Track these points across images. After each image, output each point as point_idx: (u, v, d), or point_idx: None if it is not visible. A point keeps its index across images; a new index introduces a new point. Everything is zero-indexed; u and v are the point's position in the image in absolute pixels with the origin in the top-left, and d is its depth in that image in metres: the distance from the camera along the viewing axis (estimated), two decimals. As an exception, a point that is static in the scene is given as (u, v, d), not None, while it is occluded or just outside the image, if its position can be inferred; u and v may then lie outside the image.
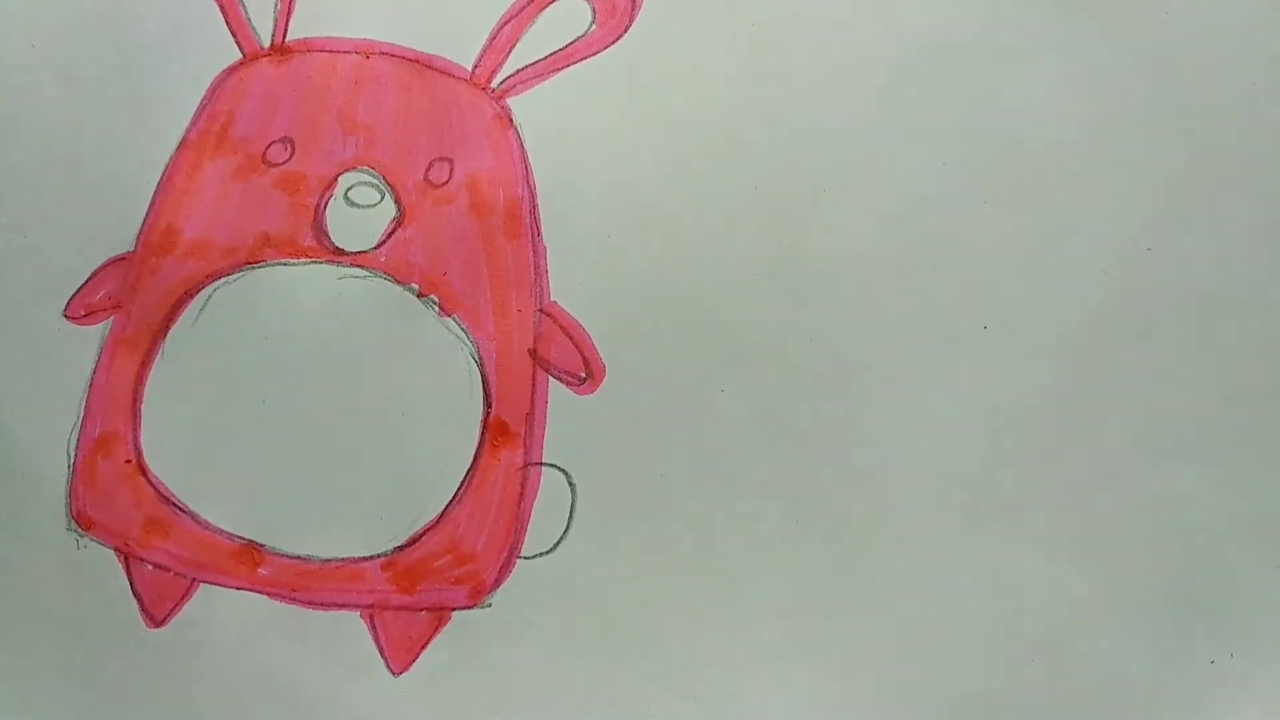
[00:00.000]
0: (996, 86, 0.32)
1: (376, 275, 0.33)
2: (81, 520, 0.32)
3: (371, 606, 0.31)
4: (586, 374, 0.32)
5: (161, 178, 0.33)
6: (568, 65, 0.34)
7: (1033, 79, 0.32)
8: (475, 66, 0.34)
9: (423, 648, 0.31)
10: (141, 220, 0.33)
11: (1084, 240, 0.32)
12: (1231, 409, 0.31)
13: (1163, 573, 0.30)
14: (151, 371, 0.33)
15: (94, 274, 0.33)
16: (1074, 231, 0.32)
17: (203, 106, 0.34)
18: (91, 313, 0.33)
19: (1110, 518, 0.31)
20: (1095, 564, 0.30)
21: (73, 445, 0.32)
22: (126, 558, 0.32)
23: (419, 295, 0.32)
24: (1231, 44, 0.32)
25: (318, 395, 0.32)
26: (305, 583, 0.31)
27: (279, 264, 0.33)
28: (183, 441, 0.32)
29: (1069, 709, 0.31)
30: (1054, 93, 0.32)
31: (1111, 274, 0.31)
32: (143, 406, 0.32)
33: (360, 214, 0.33)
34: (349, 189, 0.33)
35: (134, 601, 0.32)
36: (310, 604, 0.31)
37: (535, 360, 0.32)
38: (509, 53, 0.34)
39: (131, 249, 0.33)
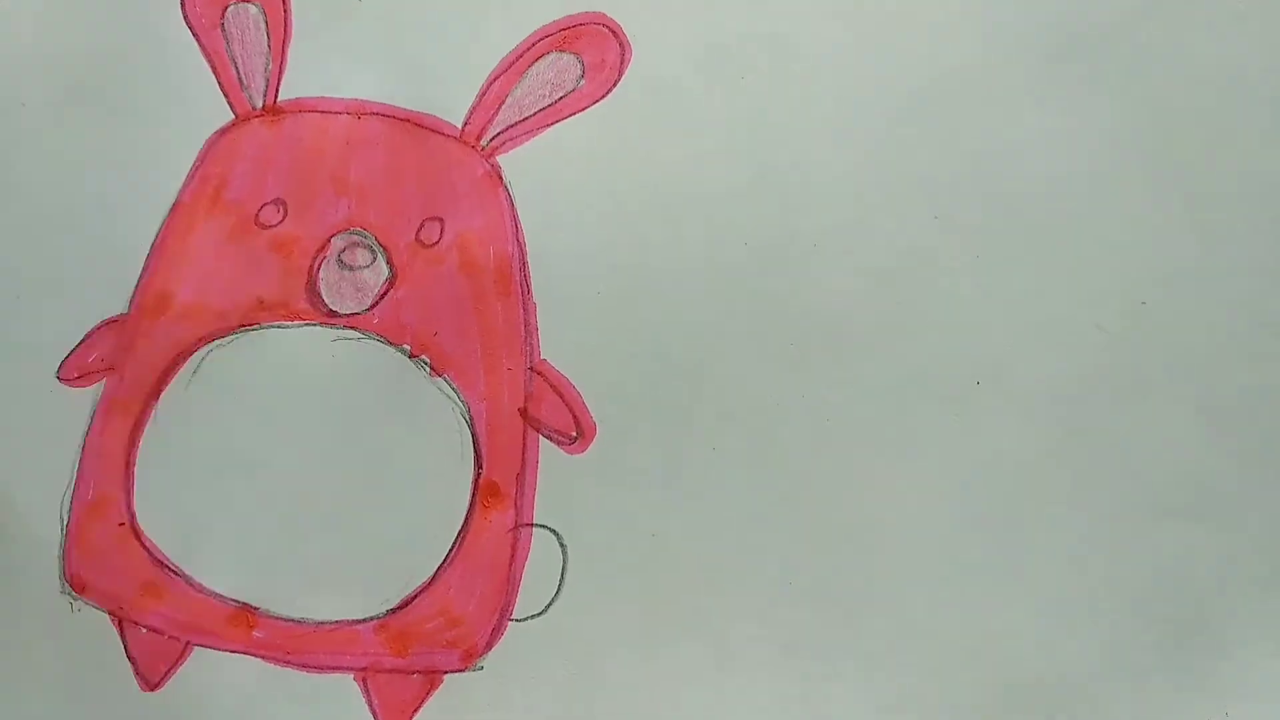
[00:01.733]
0: (987, 140, 0.32)
1: (370, 337, 0.33)
2: (75, 583, 0.32)
3: (365, 669, 0.31)
4: (577, 433, 0.32)
5: (155, 240, 0.34)
6: (557, 121, 0.34)
7: (1024, 132, 0.32)
8: (465, 124, 0.34)
9: (415, 710, 0.31)
10: (135, 283, 0.33)
11: (1078, 295, 0.31)
12: (1227, 467, 0.30)
13: (1157, 631, 0.30)
14: (144, 434, 0.33)
15: (87, 336, 0.33)
16: (1067, 286, 0.31)
17: (195, 168, 0.34)
18: (84, 374, 0.33)
19: (1104, 576, 0.30)
20: (1088, 623, 0.30)
21: (66, 508, 0.33)
22: (120, 621, 0.32)
23: (410, 356, 0.33)
24: (1225, 94, 0.32)
25: (310, 458, 0.32)
26: (299, 645, 0.31)
27: (273, 326, 0.33)
28: (176, 504, 0.32)
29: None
30: (1045, 146, 0.32)
31: (1106, 329, 0.31)
32: (135, 469, 0.33)
33: (353, 276, 0.33)
34: (342, 251, 0.33)
35: (128, 664, 0.32)
36: (304, 666, 0.31)
37: (526, 420, 0.32)
38: (498, 109, 0.34)
39: (125, 311, 0.33)
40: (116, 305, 0.33)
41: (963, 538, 0.31)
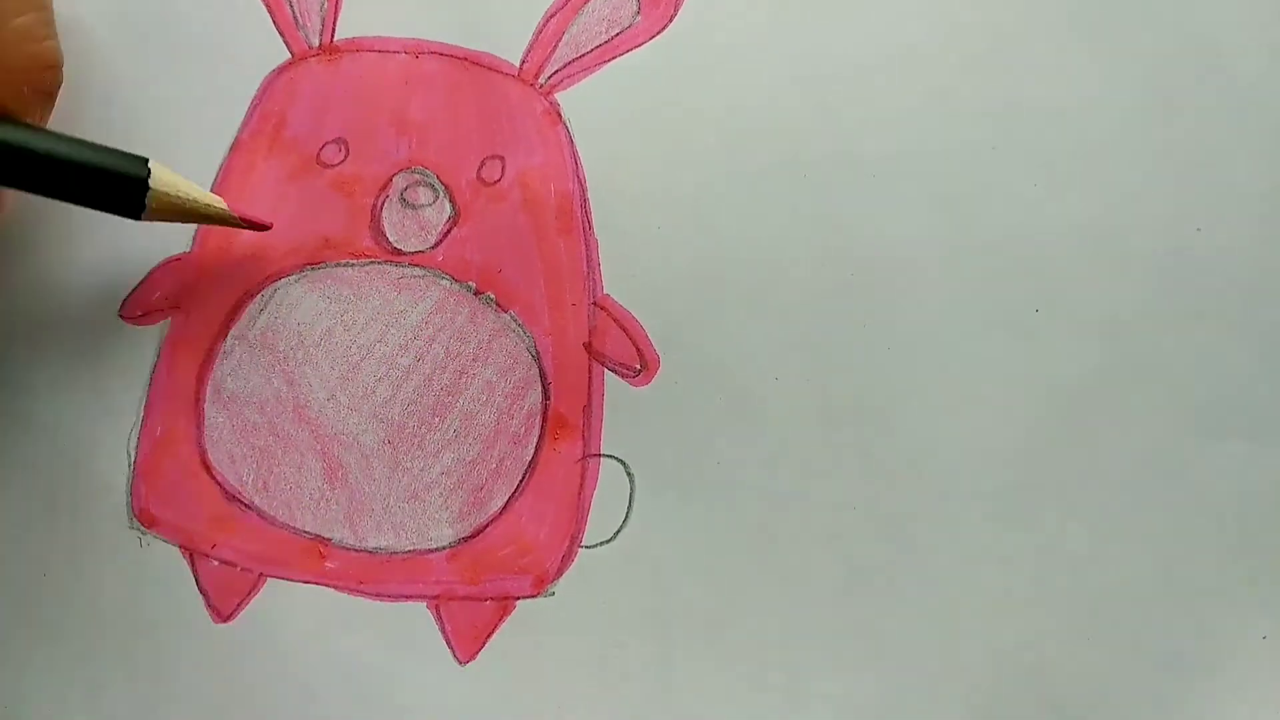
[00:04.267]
0: (1045, 71, 0.33)
1: (435, 274, 0.33)
2: (144, 518, 0.33)
3: (438, 597, 0.32)
4: (641, 366, 0.33)
5: (216, 178, 0.34)
6: (614, 58, 0.34)
7: (1081, 66, 0.33)
8: (523, 62, 0.34)
9: (488, 636, 0.32)
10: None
11: (1133, 222, 0.32)
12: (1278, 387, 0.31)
13: (1215, 551, 0.31)
14: (213, 371, 0.33)
15: (149, 275, 0.33)
16: (1123, 213, 0.32)
17: (253, 107, 0.34)
18: (148, 313, 0.33)
19: (1161, 497, 0.31)
20: (1146, 543, 0.31)
21: (133, 445, 0.33)
22: (191, 555, 0.32)
23: (476, 292, 0.33)
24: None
25: (380, 392, 0.33)
26: (372, 575, 0.32)
27: (339, 265, 0.33)
28: (247, 439, 0.33)
29: (1122, 688, 0.31)
30: (1103, 78, 0.33)
31: (1161, 256, 0.32)
32: (205, 406, 0.33)
33: (416, 214, 0.33)
34: (404, 189, 0.33)
35: (200, 598, 0.32)
36: (377, 595, 0.32)
37: (590, 354, 0.33)
38: (555, 47, 0.34)
39: (188, 250, 0.33)
40: (179, 244, 0.34)
41: (1022, 462, 0.32)
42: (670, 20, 0.34)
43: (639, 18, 0.34)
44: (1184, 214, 0.32)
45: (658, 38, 0.34)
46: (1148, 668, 0.31)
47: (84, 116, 0.34)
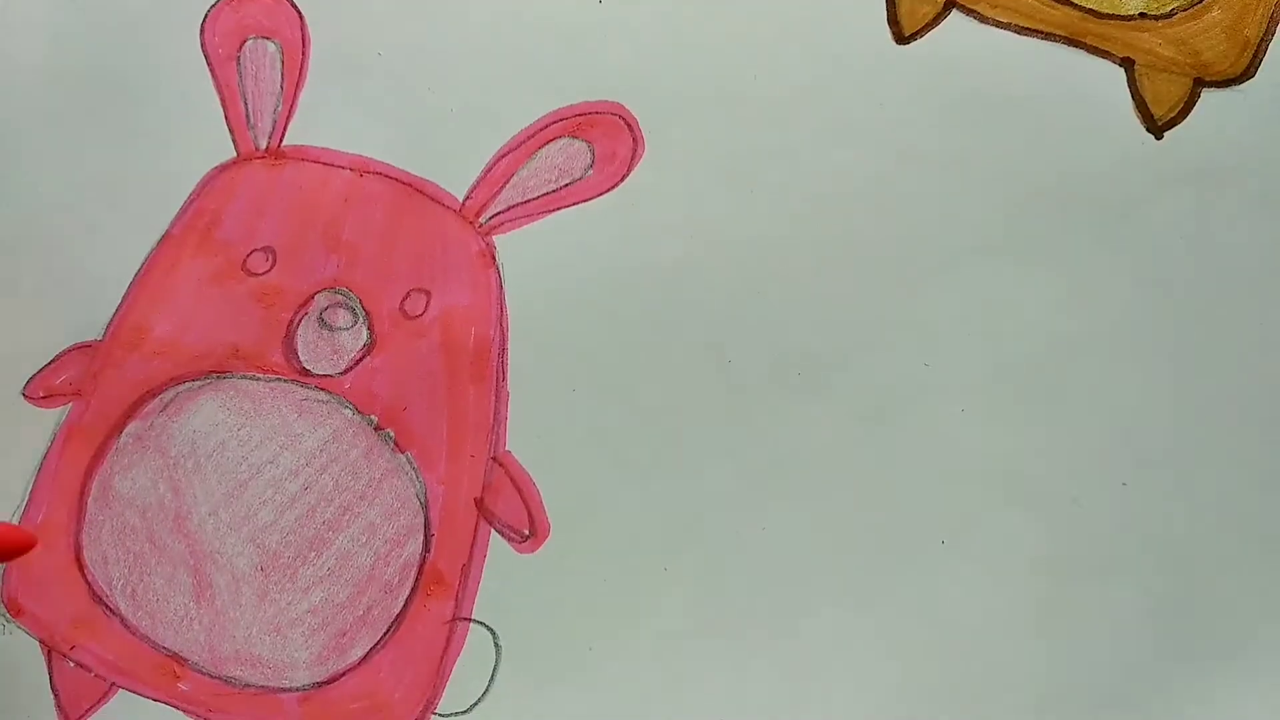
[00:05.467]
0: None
1: (339, 401, 0.32)
2: (11, 606, 0.32)
3: (283, 739, 0.31)
4: (530, 531, 0.32)
5: (139, 270, 0.33)
6: (559, 208, 0.33)
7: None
8: (466, 198, 0.33)
9: (326, 790, 0.31)
10: (113, 310, 0.33)
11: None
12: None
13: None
14: (102, 466, 0.32)
15: (58, 357, 0.33)
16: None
17: (190, 202, 0.33)
18: (50, 395, 0.33)
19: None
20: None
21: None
22: (50, 652, 0.32)
23: (377, 428, 0.32)
24: (1222, 255, 0.31)
25: (262, 515, 0.32)
26: (222, 705, 0.31)
27: (244, 377, 0.32)
28: (123, 542, 0.32)
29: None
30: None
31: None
32: (89, 500, 0.32)
33: (332, 336, 0.32)
34: (324, 309, 0.33)
35: (51, 697, 0.32)
36: (224, 727, 0.31)
37: (480, 511, 0.32)
38: (502, 188, 0.33)
39: (99, 337, 0.33)
40: (91, 330, 0.33)
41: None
42: (622, 180, 0.33)
43: (590, 172, 0.33)
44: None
45: (606, 195, 0.33)
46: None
47: (15, 182, 0.33)
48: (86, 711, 0.32)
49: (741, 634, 0.31)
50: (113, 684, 0.32)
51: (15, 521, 0.32)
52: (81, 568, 0.32)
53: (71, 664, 0.32)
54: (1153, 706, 0.30)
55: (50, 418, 0.33)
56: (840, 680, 0.30)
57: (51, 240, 0.33)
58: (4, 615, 0.32)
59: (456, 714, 0.31)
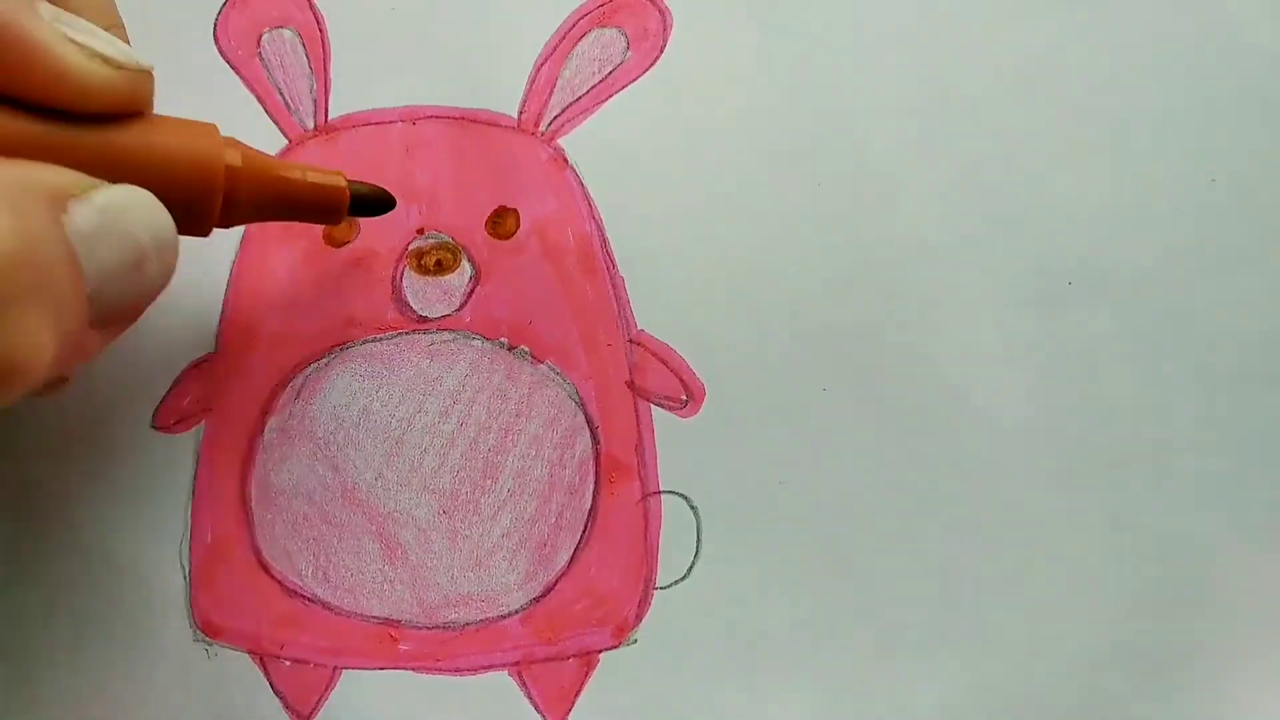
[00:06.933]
0: (1046, 55, 0.33)
1: (465, 335, 0.33)
2: (208, 629, 0.32)
3: (518, 663, 0.31)
4: (687, 396, 0.32)
5: (230, 275, 0.33)
6: (610, 96, 0.34)
7: (1083, 47, 0.33)
8: (520, 113, 0.34)
9: (576, 695, 0.31)
10: (217, 320, 0.33)
11: (1158, 187, 0.32)
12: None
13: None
14: (255, 467, 0.32)
15: (177, 381, 0.33)
16: (1150, 180, 0.32)
17: (258, 197, 0.34)
18: (181, 419, 0.33)
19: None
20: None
21: (185, 555, 0.32)
22: (261, 658, 0.32)
23: (509, 348, 0.32)
24: None
25: (427, 462, 0.32)
26: (448, 651, 0.31)
27: (367, 341, 0.33)
28: (300, 532, 0.32)
29: (1218, 651, 0.31)
30: (1105, 53, 0.33)
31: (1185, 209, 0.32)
32: (253, 505, 0.32)
33: (437, 280, 0.33)
34: (421, 257, 0.33)
35: (277, 700, 0.31)
36: (456, 671, 0.31)
37: (634, 391, 0.32)
38: (550, 93, 0.34)
39: (212, 350, 0.33)
40: (202, 345, 0.33)
41: (1073, 435, 0.31)
42: (661, 51, 0.34)
43: (630, 54, 0.34)
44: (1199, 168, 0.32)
45: (651, 70, 0.34)
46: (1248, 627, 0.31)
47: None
48: (317, 703, 0.31)
49: (910, 430, 0.32)
50: (334, 668, 0.31)
51: (185, 548, 0.32)
52: (266, 569, 0.32)
53: (287, 663, 0.31)
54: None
55: (188, 442, 0.33)
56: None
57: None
58: (204, 640, 0.32)
59: (676, 582, 0.31)
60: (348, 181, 0.30)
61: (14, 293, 0.21)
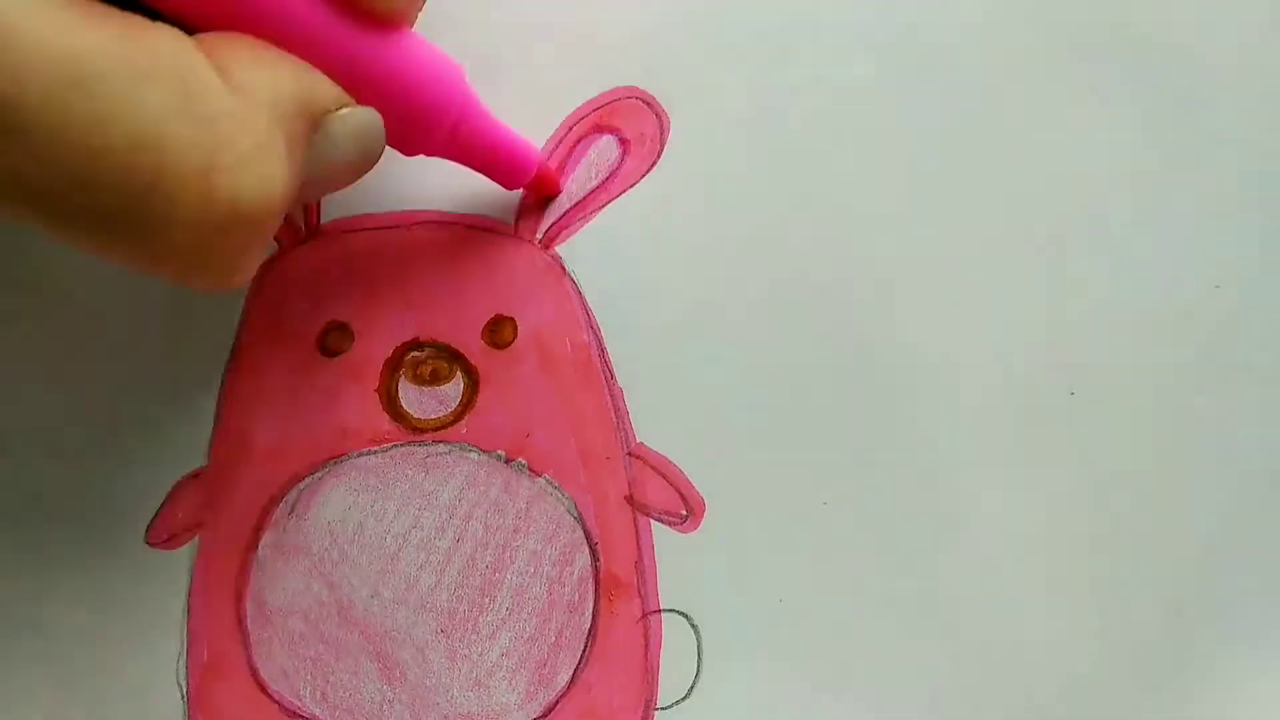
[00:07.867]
0: (1045, 148, 0.33)
1: (461, 448, 0.32)
2: (205, 749, 0.31)
3: (519, 784, 0.31)
4: (687, 512, 0.32)
5: (221, 384, 0.33)
6: (607, 202, 0.33)
7: (1081, 139, 0.33)
8: (517, 219, 0.33)
9: (579, 816, 0.31)
10: (209, 431, 0.33)
11: (1162, 293, 0.32)
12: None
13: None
14: (250, 585, 0.32)
15: (169, 497, 0.32)
16: (1143, 283, 0.32)
17: (248, 305, 0.33)
18: (174, 535, 0.32)
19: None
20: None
21: (182, 674, 0.32)
22: (260, 779, 0.31)
23: (506, 461, 0.32)
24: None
25: (424, 578, 0.32)
26: (447, 772, 0.31)
27: (362, 454, 0.32)
28: (297, 651, 0.32)
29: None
30: (1103, 145, 0.33)
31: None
32: (248, 623, 0.32)
33: (433, 389, 0.32)
34: (417, 366, 0.33)
35: (276, 822, 0.31)
36: (457, 793, 0.31)
37: (634, 506, 0.32)
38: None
39: (204, 463, 0.32)
40: (194, 457, 0.33)
41: (1079, 539, 0.31)
42: (658, 157, 0.33)
43: (626, 158, 0.33)
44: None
45: (647, 176, 0.33)
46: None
47: (64, 315, 0.33)
48: (316, 825, 0.31)
49: (916, 536, 0.32)
50: (333, 790, 0.31)
51: (182, 667, 0.32)
52: (264, 689, 0.32)
53: (285, 785, 0.31)
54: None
55: (182, 558, 0.32)
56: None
57: (131, 375, 0.33)
58: (201, 761, 0.31)
59: (677, 703, 0.31)
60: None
61: (262, 234, 0.23)
